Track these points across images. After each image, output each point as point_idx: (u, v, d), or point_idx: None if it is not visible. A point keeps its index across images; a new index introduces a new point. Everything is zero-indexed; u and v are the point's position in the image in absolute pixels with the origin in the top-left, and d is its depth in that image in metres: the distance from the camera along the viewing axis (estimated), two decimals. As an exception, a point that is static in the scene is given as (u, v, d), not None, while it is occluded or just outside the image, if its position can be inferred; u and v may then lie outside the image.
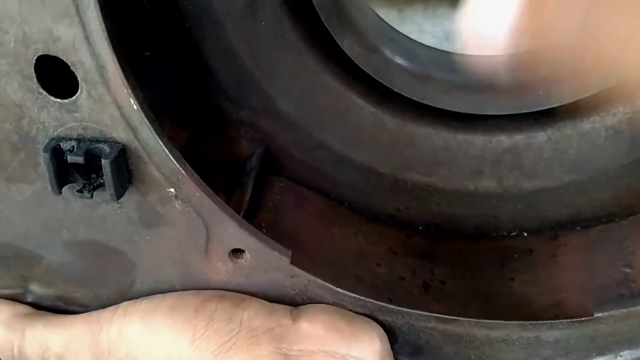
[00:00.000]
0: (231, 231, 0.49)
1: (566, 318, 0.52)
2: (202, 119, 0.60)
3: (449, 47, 0.64)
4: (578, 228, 0.64)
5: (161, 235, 0.50)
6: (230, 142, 0.62)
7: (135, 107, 0.43)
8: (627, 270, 0.58)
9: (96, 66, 0.41)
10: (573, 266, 0.61)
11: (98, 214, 0.49)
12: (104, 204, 0.48)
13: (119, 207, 0.48)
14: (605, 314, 0.51)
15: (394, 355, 0.57)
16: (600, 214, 0.62)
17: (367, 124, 0.60)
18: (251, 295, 0.52)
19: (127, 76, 0.42)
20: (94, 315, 0.53)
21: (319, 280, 0.52)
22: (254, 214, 0.58)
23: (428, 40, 0.97)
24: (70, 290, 0.55)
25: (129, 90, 0.42)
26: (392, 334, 0.55)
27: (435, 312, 0.57)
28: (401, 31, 0.64)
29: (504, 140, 0.60)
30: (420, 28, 1.23)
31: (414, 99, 0.58)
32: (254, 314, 0.50)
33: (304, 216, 0.62)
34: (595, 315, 0.51)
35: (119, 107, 0.43)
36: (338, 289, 0.52)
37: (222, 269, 0.51)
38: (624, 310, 0.51)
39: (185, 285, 0.53)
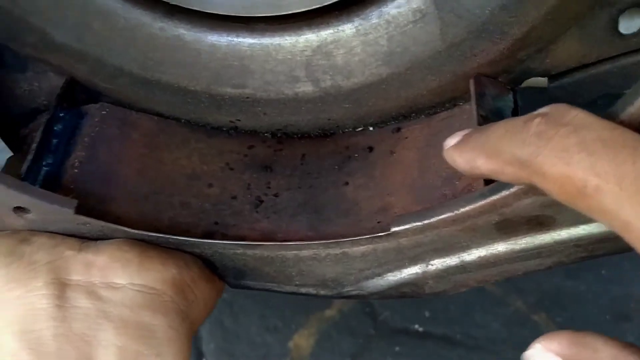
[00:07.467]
0: (2, 193, 0.48)
1: (389, 225, 0.50)
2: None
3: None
4: (423, 117, 0.59)
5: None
6: (34, 80, 0.58)
7: None
8: (456, 165, 0.53)
9: None
10: (407, 163, 0.57)
11: None
12: None
13: None
14: (402, 228, 0.48)
15: (221, 279, 0.57)
16: (440, 101, 0.57)
17: (160, 41, 0.55)
18: None
19: None
20: None
21: (112, 225, 0.51)
22: (66, 155, 0.57)
23: None
24: None
25: None
26: (209, 263, 0.55)
27: (258, 231, 0.56)
28: None
29: (312, 38, 0.54)
30: None
31: (182, 5, 0.52)
32: (37, 248, 0.50)
33: (128, 145, 0.59)
34: (392, 230, 0.49)
35: None
36: (133, 230, 0.51)
37: (18, 223, 0.51)
38: (419, 224, 0.48)
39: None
